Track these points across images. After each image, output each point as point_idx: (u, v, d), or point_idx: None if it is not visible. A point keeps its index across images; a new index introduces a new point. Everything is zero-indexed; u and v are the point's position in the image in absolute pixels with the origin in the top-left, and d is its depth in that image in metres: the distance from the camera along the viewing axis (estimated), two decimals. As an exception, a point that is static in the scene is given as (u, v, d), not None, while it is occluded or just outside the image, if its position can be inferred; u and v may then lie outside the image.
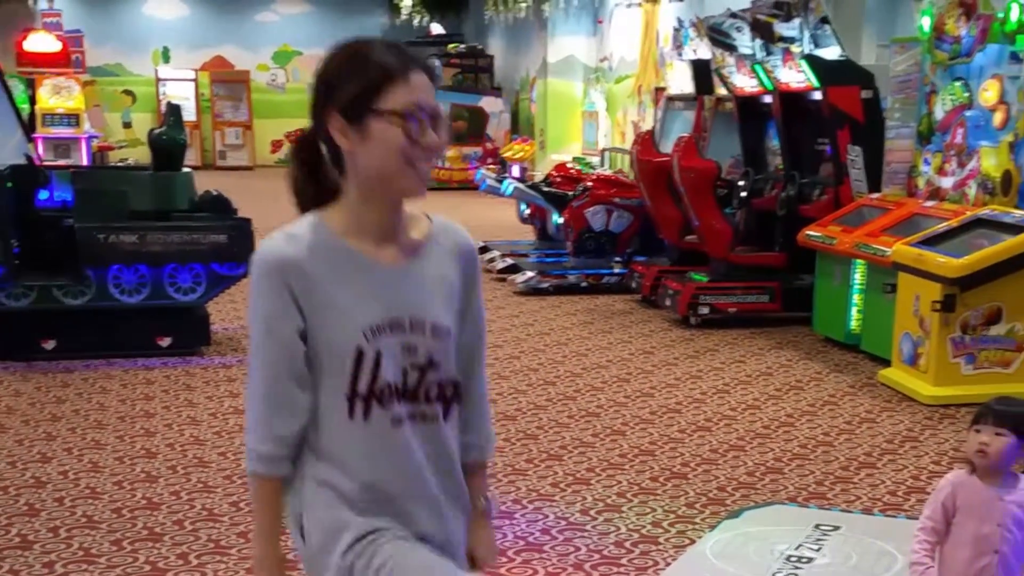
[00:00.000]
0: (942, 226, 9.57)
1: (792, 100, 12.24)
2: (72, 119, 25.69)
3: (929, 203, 10.29)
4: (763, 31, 12.30)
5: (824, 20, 11.88)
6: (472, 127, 28.96)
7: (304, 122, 2.90)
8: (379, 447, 2.82)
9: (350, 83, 2.73)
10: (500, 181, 16.70)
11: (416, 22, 34.00)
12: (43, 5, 29.44)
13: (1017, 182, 9.37)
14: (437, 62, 29.15)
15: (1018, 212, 9.20)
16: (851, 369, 10.18)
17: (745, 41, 12.89)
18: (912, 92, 10.79)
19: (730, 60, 13.22)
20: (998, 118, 9.62)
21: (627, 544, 6.11)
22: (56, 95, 25.66)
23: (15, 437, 8.00)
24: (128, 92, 34.07)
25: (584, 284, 14.14)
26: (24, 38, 26.01)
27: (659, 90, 19.46)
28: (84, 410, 8.67)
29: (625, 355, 10.73)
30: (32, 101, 25.10)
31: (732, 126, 13.99)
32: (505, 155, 27.35)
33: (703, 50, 14.25)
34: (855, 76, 11.67)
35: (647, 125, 19.97)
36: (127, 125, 33.60)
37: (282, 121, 33.02)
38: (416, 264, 2.88)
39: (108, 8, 33.64)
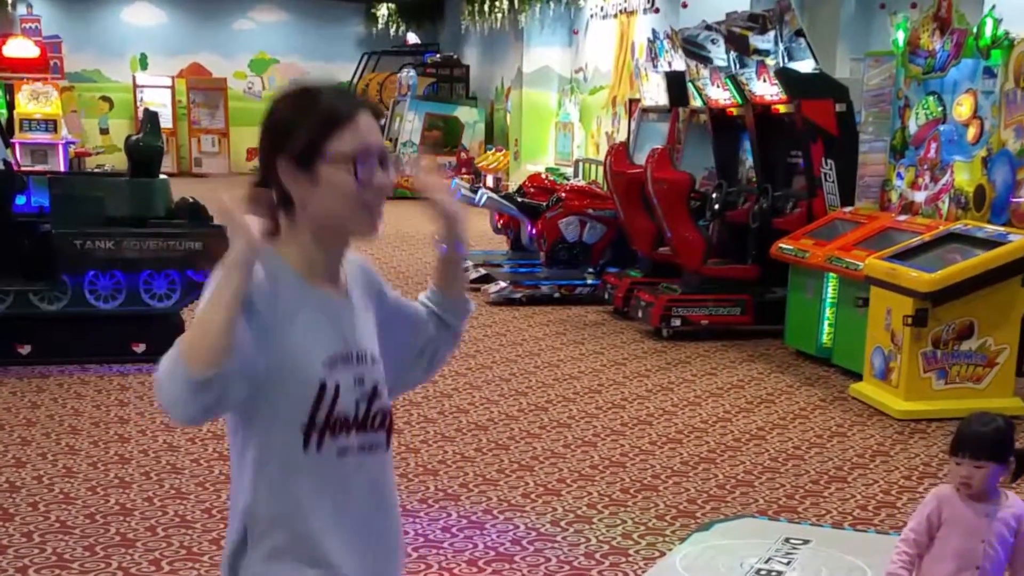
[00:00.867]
0: (915, 240, 9.64)
1: (766, 113, 12.29)
2: (50, 125, 25.60)
3: (902, 217, 10.35)
4: (738, 44, 12.35)
5: (799, 33, 11.92)
6: (447, 137, 28.95)
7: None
8: (327, 479, 2.77)
9: (299, 130, 2.72)
10: (474, 191, 16.70)
11: (392, 31, 34.04)
12: (22, 11, 29.37)
13: (990, 197, 9.44)
14: (412, 72, 29.23)
15: (991, 227, 9.27)
16: (822, 383, 10.23)
17: (720, 53, 12.93)
18: (886, 106, 10.85)
19: (704, 72, 13.27)
20: (971, 133, 9.70)
21: (597, 555, 6.14)
22: (34, 100, 25.58)
23: (-12, 442, 8.01)
24: (105, 98, 33.94)
25: (557, 295, 14.17)
26: (3, 43, 25.91)
27: (633, 101, 19.50)
28: (59, 415, 8.68)
29: (597, 366, 10.76)
30: (10, 106, 25.03)
31: (706, 138, 14.01)
32: (479, 165, 27.36)
33: (678, 62, 14.29)
34: (829, 89, 11.72)
35: (621, 136, 20.00)
36: (104, 131, 33.46)
37: (258, 129, 32.86)
38: (348, 300, 2.87)
39: (86, 14, 33.51)
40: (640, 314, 12.39)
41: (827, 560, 6.11)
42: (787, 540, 6.35)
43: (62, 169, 24.28)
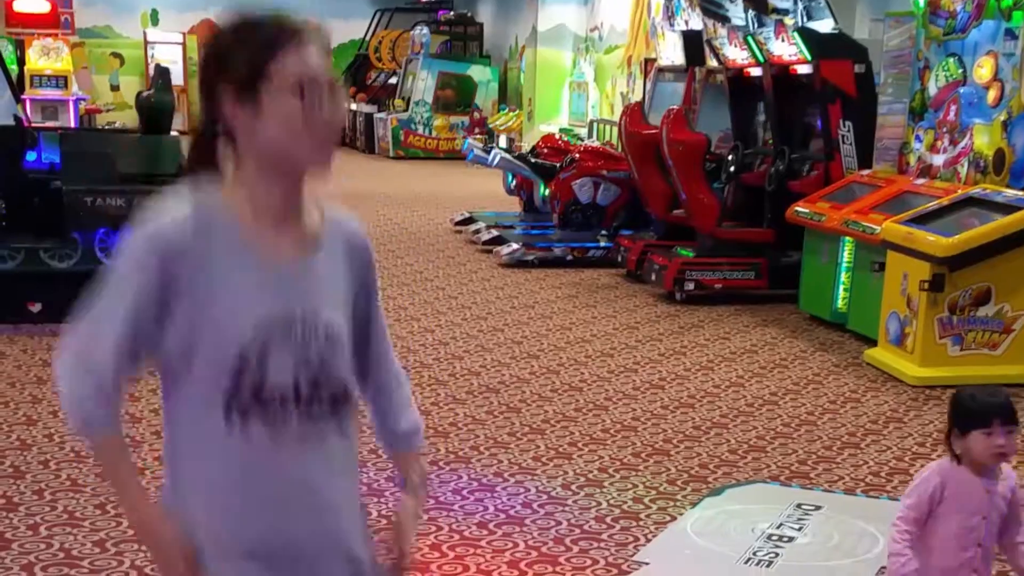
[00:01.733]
0: (933, 204, 9.55)
1: (784, 74, 12.19)
2: (60, 81, 25.63)
3: (920, 181, 10.26)
4: (756, 2, 12.26)
5: (818, -8, 11.85)
6: (460, 96, 28.88)
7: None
8: (254, 471, 2.60)
9: (239, 55, 2.54)
10: (487, 151, 16.66)
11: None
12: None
13: (1010, 161, 9.35)
14: (426, 30, 29.07)
15: (1010, 192, 9.18)
16: (836, 348, 10.17)
17: (738, 12, 12.85)
18: (905, 67, 10.76)
19: (722, 31, 13.17)
20: (992, 95, 9.59)
21: (608, 519, 6.10)
22: (45, 56, 25.58)
23: (0, 399, 7.99)
24: (116, 55, 33.86)
25: (569, 257, 14.10)
26: (14, -1, 25.93)
27: (649, 61, 19.42)
28: (68, 374, 8.63)
29: (609, 329, 10.71)
30: (20, 62, 25.02)
31: (722, 99, 13.93)
32: (493, 125, 27.28)
33: (695, 21, 14.21)
34: (848, 50, 11.62)
35: (636, 96, 19.92)
36: (115, 88, 33.40)
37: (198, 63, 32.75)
38: (311, 259, 2.66)
39: (98, -31, 33.49)
40: (653, 277, 12.33)
41: (839, 526, 6.07)
42: (799, 506, 6.31)
43: (73, 125, 24.26)
